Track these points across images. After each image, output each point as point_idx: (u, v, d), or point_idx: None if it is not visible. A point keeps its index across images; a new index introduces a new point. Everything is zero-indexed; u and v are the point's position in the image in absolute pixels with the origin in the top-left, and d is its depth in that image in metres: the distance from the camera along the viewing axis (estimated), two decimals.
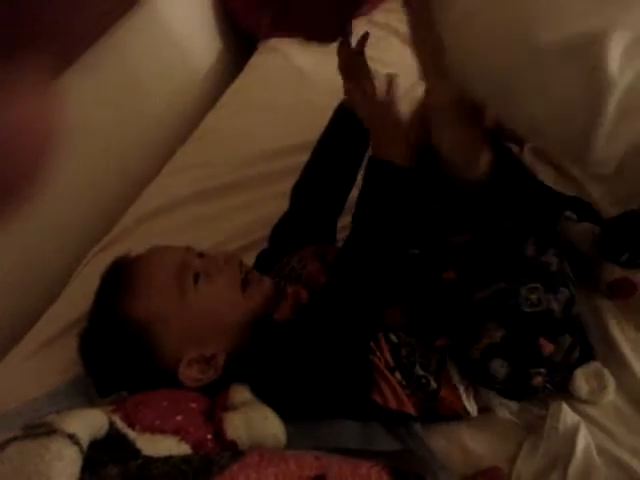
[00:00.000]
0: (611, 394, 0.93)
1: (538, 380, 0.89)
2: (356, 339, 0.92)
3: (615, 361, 0.97)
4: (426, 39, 0.78)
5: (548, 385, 0.91)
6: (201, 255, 1.02)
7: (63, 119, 0.29)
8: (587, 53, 0.58)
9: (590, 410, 0.92)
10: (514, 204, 0.92)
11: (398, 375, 0.92)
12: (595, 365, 0.94)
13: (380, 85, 0.95)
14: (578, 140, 0.63)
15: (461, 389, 0.92)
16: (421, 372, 0.92)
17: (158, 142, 1.68)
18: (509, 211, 0.91)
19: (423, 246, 0.94)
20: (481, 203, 0.88)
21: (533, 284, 0.87)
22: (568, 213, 1.06)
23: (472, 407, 0.93)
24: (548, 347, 0.87)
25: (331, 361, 0.90)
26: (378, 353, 0.92)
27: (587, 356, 0.96)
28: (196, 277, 0.96)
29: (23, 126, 0.28)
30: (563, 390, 0.94)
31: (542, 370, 0.88)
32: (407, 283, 0.95)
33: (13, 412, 0.98)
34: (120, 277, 0.98)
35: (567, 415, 0.88)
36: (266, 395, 0.89)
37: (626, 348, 0.97)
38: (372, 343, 0.93)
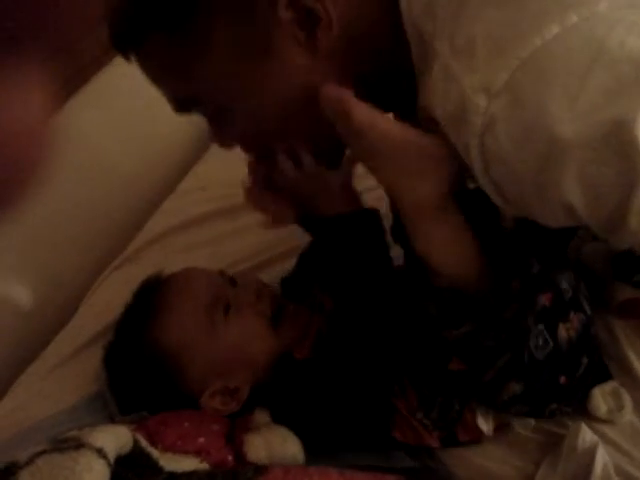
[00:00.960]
0: (629, 414, 0.93)
1: (555, 406, 0.89)
2: (374, 382, 0.91)
3: (629, 381, 0.96)
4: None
5: (566, 408, 0.91)
6: (233, 281, 1.01)
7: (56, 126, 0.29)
8: (616, 137, 0.58)
9: (607, 430, 0.92)
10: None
11: (419, 414, 0.91)
12: (612, 384, 0.95)
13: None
14: (613, 218, 0.63)
15: (480, 410, 0.92)
16: (442, 398, 0.92)
17: (172, 160, 1.69)
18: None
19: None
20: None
21: (535, 330, 0.84)
22: (581, 232, 1.07)
23: (488, 426, 0.93)
24: (562, 379, 0.87)
25: (352, 405, 0.90)
26: (402, 397, 0.92)
27: (603, 375, 0.96)
28: (227, 308, 0.96)
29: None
30: (580, 409, 0.94)
31: (561, 400, 0.88)
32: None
33: (33, 428, 0.98)
34: (151, 298, 0.98)
35: (586, 435, 0.88)
36: (285, 423, 0.90)
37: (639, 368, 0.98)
38: (397, 386, 0.92)
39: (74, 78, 1.38)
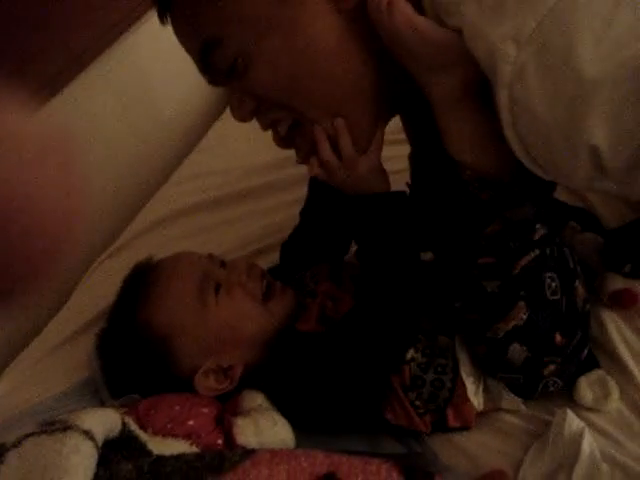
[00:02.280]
0: (615, 402, 0.93)
1: (550, 369, 0.89)
2: (382, 359, 0.92)
3: (618, 369, 0.97)
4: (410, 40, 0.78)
5: (557, 380, 0.91)
6: (223, 264, 1.02)
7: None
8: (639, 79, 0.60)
9: (594, 417, 0.93)
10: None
11: (412, 395, 0.92)
12: (599, 373, 0.95)
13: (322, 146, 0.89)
14: (633, 158, 0.64)
15: (469, 382, 0.93)
16: (434, 376, 0.93)
17: (165, 151, 1.70)
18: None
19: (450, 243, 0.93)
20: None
21: (551, 273, 0.87)
22: (572, 223, 1.08)
23: (479, 401, 0.94)
24: (559, 338, 0.88)
25: (350, 377, 0.90)
26: (397, 372, 0.93)
27: (591, 364, 0.97)
28: (217, 287, 0.96)
29: None
30: (569, 388, 0.95)
31: (557, 359, 0.89)
32: (435, 285, 0.95)
33: (24, 413, 0.98)
34: (142, 282, 0.99)
35: (572, 421, 0.89)
36: (278, 403, 0.91)
37: (628, 357, 0.98)
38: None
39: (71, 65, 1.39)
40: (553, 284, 0.87)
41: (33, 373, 1.09)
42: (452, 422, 0.94)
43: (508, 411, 0.96)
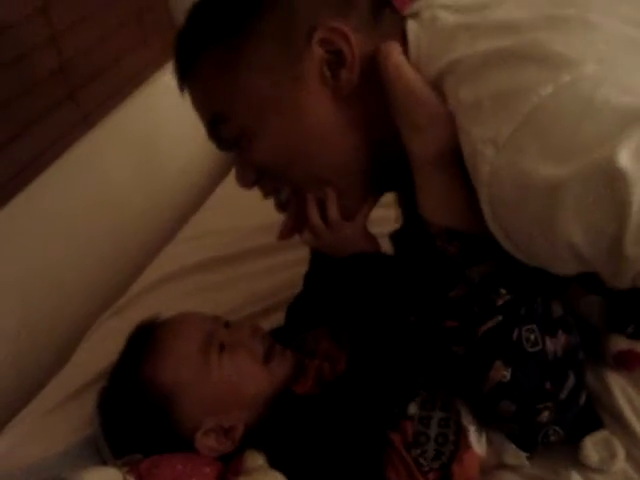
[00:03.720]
0: (621, 462, 0.92)
1: (545, 416, 0.88)
2: (377, 417, 0.92)
3: (622, 430, 0.96)
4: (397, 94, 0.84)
5: (557, 429, 0.90)
6: (227, 325, 1.04)
7: None
8: (604, 172, 0.64)
9: (600, 478, 0.92)
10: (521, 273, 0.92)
11: (414, 452, 0.92)
12: (604, 434, 0.95)
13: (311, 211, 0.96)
14: (611, 250, 0.67)
15: (472, 430, 0.93)
16: (438, 430, 0.92)
17: (170, 210, 1.72)
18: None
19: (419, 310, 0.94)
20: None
21: (528, 326, 0.87)
22: (575, 285, 1.08)
23: (482, 449, 0.93)
24: (548, 385, 0.87)
25: (349, 438, 0.90)
26: (398, 430, 0.93)
27: (595, 425, 0.96)
28: (221, 348, 0.97)
29: None
30: (573, 443, 0.94)
31: (549, 404, 0.87)
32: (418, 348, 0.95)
33: (24, 471, 0.98)
34: (146, 341, 1.00)
35: None
36: (280, 465, 0.89)
37: (632, 418, 0.97)
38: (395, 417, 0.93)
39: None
40: (532, 336, 0.86)
41: (34, 430, 1.08)
42: (457, 478, 0.92)
43: (512, 470, 0.95)
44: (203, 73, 0.88)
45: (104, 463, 0.98)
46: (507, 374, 0.86)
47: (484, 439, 0.94)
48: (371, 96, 0.86)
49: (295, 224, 1.00)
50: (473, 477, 0.93)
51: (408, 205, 1.04)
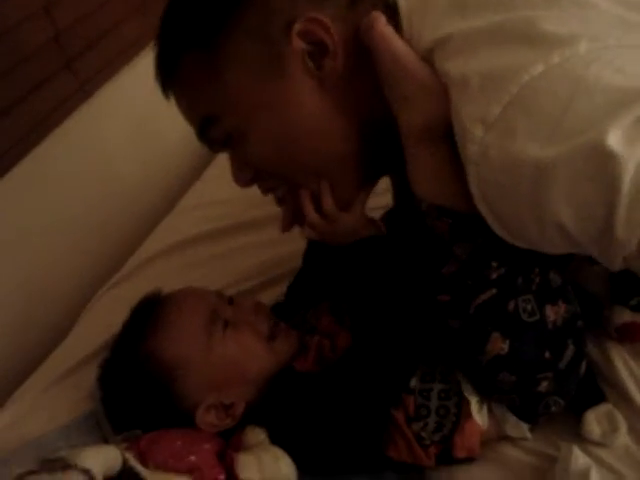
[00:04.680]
0: (623, 436, 0.92)
1: (544, 386, 0.88)
2: (382, 395, 0.93)
3: (625, 403, 0.96)
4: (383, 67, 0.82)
5: (558, 399, 0.90)
6: (231, 301, 1.03)
7: None
8: (595, 153, 0.63)
9: (601, 452, 0.92)
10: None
11: (415, 426, 0.92)
12: (606, 407, 0.94)
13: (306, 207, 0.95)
14: (602, 232, 0.66)
15: (473, 401, 0.93)
16: (438, 402, 0.93)
17: (169, 179, 1.71)
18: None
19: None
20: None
21: (524, 296, 0.87)
22: (580, 256, 1.07)
23: (483, 420, 0.94)
24: (547, 354, 0.88)
25: (350, 417, 0.91)
26: (400, 406, 0.93)
27: (597, 398, 0.96)
28: (225, 325, 0.97)
29: None
30: (574, 415, 0.95)
31: (548, 374, 0.88)
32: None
33: (24, 447, 0.98)
34: (150, 315, 0.99)
35: (578, 458, 0.88)
36: (281, 441, 0.90)
37: (635, 391, 0.97)
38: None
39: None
40: (528, 306, 0.87)
41: (36, 404, 1.08)
42: (458, 452, 0.93)
43: (513, 443, 0.96)
44: (186, 76, 0.87)
45: (104, 437, 0.98)
46: (505, 346, 0.86)
47: (485, 410, 0.95)
48: (357, 79, 0.84)
49: (294, 218, 0.99)
50: (474, 448, 0.94)
51: (401, 185, 1.03)
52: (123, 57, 1.54)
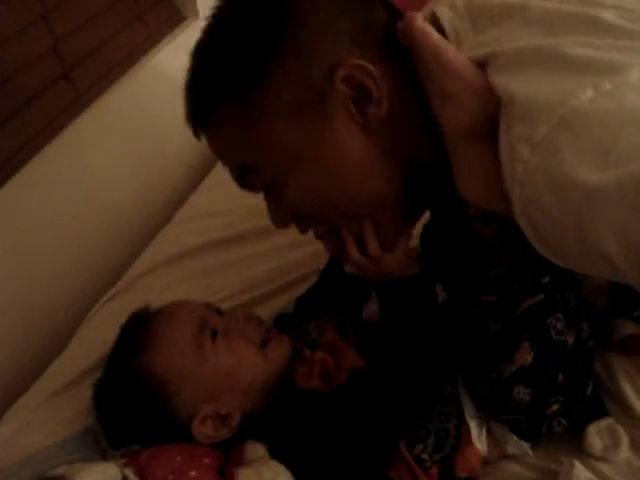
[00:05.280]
0: (624, 451, 0.92)
1: (554, 409, 0.88)
2: (393, 429, 0.92)
3: (626, 417, 0.96)
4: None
5: (562, 420, 0.90)
6: (219, 312, 1.03)
7: None
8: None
9: (603, 467, 0.91)
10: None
11: (416, 449, 0.92)
12: (607, 421, 0.94)
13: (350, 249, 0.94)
14: None
15: (473, 425, 0.93)
16: (438, 424, 0.93)
17: (167, 191, 1.70)
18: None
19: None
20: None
21: (557, 314, 0.87)
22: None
23: (482, 445, 0.94)
24: (561, 378, 0.88)
25: (359, 443, 0.90)
26: None
27: (599, 412, 0.95)
28: (214, 334, 0.97)
29: None
30: (576, 432, 0.94)
31: (560, 398, 0.88)
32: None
33: (23, 462, 0.97)
34: (139, 331, 0.99)
35: (580, 472, 0.87)
36: (281, 459, 0.89)
37: (636, 403, 0.97)
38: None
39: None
40: (559, 325, 0.87)
41: (33, 419, 1.07)
42: (459, 472, 0.93)
43: (515, 459, 0.95)
44: (221, 125, 0.84)
45: (103, 452, 0.97)
46: (529, 358, 0.86)
47: (484, 434, 0.94)
48: (400, 122, 0.82)
49: (336, 251, 0.97)
50: (475, 469, 0.93)
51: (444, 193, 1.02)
52: (121, 67, 1.53)
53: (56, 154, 1.32)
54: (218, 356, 0.96)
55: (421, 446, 0.92)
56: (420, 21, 0.78)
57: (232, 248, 1.44)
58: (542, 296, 0.85)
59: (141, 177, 1.61)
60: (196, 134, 0.87)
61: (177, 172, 1.75)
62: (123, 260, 1.47)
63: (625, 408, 0.97)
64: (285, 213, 0.90)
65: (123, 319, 1.04)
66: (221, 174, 1.67)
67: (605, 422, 0.94)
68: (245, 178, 0.87)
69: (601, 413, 0.95)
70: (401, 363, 0.92)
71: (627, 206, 0.60)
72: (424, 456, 0.92)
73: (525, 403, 0.88)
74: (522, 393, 0.87)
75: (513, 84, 0.72)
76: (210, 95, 0.83)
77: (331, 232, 0.94)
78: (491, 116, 0.75)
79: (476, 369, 0.92)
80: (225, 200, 1.56)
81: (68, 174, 1.38)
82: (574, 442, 0.94)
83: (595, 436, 0.93)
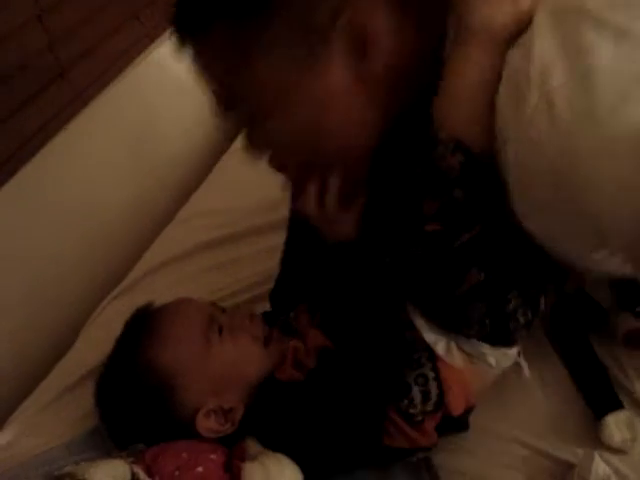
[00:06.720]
0: None
1: (513, 304, 0.83)
2: (377, 395, 0.92)
3: (638, 412, 0.96)
4: None
5: (527, 310, 0.85)
6: (224, 311, 1.04)
7: None
8: None
9: (617, 462, 0.91)
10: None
11: (404, 404, 0.91)
12: (625, 414, 0.94)
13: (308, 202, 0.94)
14: None
15: (439, 347, 0.92)
16: (414, 373, 0.92)
17: (170, 189, 1.69)
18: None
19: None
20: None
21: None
22: None
23: (456, 359, 0.92)
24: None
25: (347, 421, 0.91)
26: None
27: (615, 404, 0.96)
28: (220, 330, 0.98)
29: None
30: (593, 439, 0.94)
31: (514, 292, 0.83)
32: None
33: (29, 463, 0.97)
34: (144, 325, 0.99)
35: (599, 466, 0.87)
36: (281, 451, 0.89)
37: None
38: None
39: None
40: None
41: (39, 420, 1.07)
42: (454, 411, 0.93)
43: (528, 446, 0.95)
44: (216, 44, 0.81)
45: (109, 453, 0.97)
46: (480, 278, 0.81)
47: (455, 349, 0.92)
48: (395, 75, 0.81)
49: (297, 195, 0.97)
50: (469, 396, 0.94)
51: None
52: (118, 66, 1.53)
53: (56, 153, 1.32)
54: (224, 351, 0.96)
55: (406, 401, 0.91)
56: None
57: (232, 246, 1.44)
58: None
59: (141, 175, 1.61)
60: (183, 43, 0.84)
61: (177, 170, 1.74)
62: (127, 260, 1.46)
63: (637, 404, 0.98)
64: (261, 146, 0.90)
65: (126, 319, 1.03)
66: (221, 174, 1.69)
67: (623, 414, 0.94)
68: (229, 106, 0.86)
69: (617, 405, 0.96)
70: (358, 323, 0.94)
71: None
72: (412, 410, 0.91)
73: (478, 316, 0.83)
74: (476, 308, 0.83)
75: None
76: (208, 8, 0.80)
77: (299, 181, 0.93)
78: (518, 32, 0.73)
79: (430, 295, 0.88)
80: (225, 200, 1.56)
81: (66, 174, 1.38)
82: (590, 435, 0.95)
83: (613, 427, 0.93)
